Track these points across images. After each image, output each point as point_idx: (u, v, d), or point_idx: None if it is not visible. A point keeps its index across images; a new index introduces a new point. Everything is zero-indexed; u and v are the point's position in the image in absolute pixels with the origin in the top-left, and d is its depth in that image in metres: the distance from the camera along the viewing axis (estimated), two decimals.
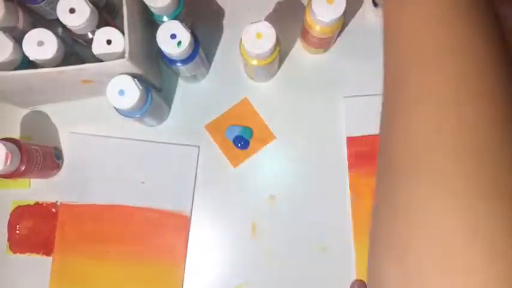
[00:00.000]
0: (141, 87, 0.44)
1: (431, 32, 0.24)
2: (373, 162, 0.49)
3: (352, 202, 0.51)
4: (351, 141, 0.52)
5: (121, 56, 0.42)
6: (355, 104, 0.53)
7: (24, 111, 0.54)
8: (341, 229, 0.51)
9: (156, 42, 0.44)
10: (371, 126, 0.52)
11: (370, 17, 0.55)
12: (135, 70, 0.44)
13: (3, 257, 0.52)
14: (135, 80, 0.43)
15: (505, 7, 0.32)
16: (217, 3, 0.56)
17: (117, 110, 0.45)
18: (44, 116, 0.54)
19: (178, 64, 0.47)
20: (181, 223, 0.52)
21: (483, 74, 0.23)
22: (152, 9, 0.46)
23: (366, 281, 0.38)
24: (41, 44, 0.43)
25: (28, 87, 0.46)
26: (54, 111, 0.54)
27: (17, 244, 0.52)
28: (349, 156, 0.52)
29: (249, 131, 0.53)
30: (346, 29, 0.55)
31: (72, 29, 0.44)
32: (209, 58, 0.54)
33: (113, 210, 0.52)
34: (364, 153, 0.52)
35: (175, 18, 0.46)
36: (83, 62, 0.43)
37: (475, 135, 0.22)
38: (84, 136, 0.53)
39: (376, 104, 0.52)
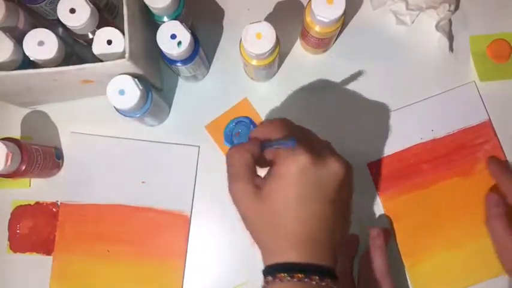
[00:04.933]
0: (141, 87, 0.44)
1: None
2: (398, 182, 0.52)
3: (393, 226, 0.51)
4: (372, 166, 0.52)
5: (121, 56, 0.42)
6: (367, 129, 0.53)
7: (25, 111, 0.54)
8: None
9: (156, 42, 0.44)
10: (386, 147, 0.52)
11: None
12: (136, 70, 0.44)
13: (4, 256, 0.52)
14: (136, 80, 0.44)
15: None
16: (217, 3, 0.56)
17: (117, 110, 0.45)
18: (44, 116, 0.54)
19: (179, 64, 0.47)
20: (181, 223, 0.52)
21: None
22: (152, 10, 0.46)
23: None
24: (41, 44, 0.43)
25: (29, 87, 0.46)
26: (54, 111, 0.54)
27: (18, 243, 0.52)
28: (375, 181, 0.52)
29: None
30: (346, 29, 0.55)
31: (73, 29, 0.44)
32: (209, 58, 0.55)
33: (113, 210, 0.52)
34: (388, 175, 0.52)
35: (175, 19, 0.46)
36: (83, 62, 0.43)
37: None
38: (85, 136, 0.53)
39: (386, 124, 0.53)
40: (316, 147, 0.36)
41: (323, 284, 0.33)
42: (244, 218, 0.37)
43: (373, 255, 0.47)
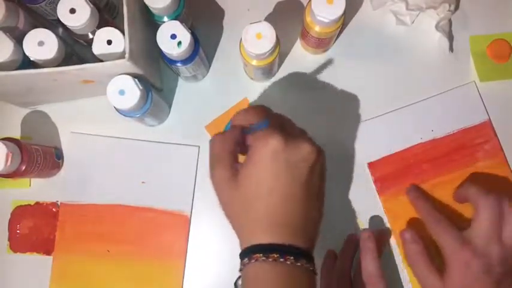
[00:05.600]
0: (141, 87, 0.44)
1: None
2: (398, 182, 0.52)
3: (392, 226, 0.51)
4: (372, 166, 0.52)
5: (121, 56, 0.42)
6: (367, 129, 0.53)
7: (25, 111, 0.54)
8: (336, 229, 0.52)
9: (156, 42, 0.44)
10: (386, 147, 0.52)
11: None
12: (136, 70, 0.44)
13: (4, 256, 0.52)
14: (136, 80, 0.44)
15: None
16: (217, 3, 0.56)
17: (117, 110, 0.45)
18: (44, 116, 0.54)
19: (179, 64, 0.47)
20: (181, 223, 0.52)
21: None
22: (152, 10, 0.46)
23: None
24: (41, 44, 0.43)
25: (29, 87, 0.46)
26: (54, 111, 0.54)
27: (18, 243, 0.52)
28: (375, 181, 0.52)
29: None
30: (346, 29, 0.55)
31: (73, 29, 0.44)
32: (209, 58, 0.55)
33: (113, 210, 0.52)
34: (388, 175, 0.52)
35: (175, 19, 0.46)
36: (83, 62, 0.43)
37: None
38: (85, 136, 0.53)
39: (386, 124, 0.53)
40: (291, 132, 0.36)
41: (298, 264, 0.33)
42: (223, 204, 0.37)
43: (363, 259, 0.46)
